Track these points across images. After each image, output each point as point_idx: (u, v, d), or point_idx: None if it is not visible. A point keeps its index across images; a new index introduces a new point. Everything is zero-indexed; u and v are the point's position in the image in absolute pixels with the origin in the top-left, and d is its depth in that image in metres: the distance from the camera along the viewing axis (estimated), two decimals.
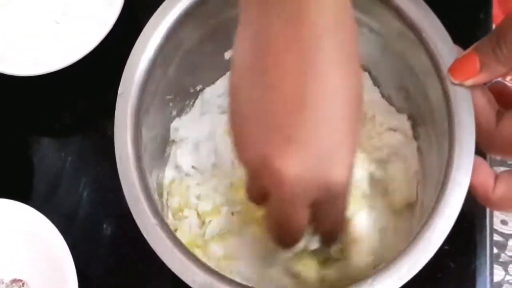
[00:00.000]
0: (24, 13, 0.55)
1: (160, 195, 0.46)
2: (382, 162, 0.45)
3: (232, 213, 0.45)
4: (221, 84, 0.49)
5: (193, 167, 0.47)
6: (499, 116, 0.37)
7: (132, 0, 0.53)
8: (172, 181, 0.47)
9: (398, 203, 0.45)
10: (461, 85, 0.37)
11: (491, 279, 0.48)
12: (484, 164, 0.37)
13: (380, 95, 0.48)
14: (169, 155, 0.48)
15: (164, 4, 0.40)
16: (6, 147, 0.54)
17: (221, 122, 0.47)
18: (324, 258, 0.43)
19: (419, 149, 0.45)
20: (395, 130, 0.46)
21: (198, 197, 0.46)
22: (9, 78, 0.51)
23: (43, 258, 0.46)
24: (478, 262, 0.48)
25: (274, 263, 0.43)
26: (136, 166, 0.38)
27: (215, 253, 0.44)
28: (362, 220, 0.43)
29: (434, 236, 0.35)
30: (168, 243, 0.36)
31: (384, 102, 0.48)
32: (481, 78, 0.36)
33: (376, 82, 0.48)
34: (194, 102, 0.49)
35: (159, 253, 0.35)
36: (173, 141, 0.48)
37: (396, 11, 0.40)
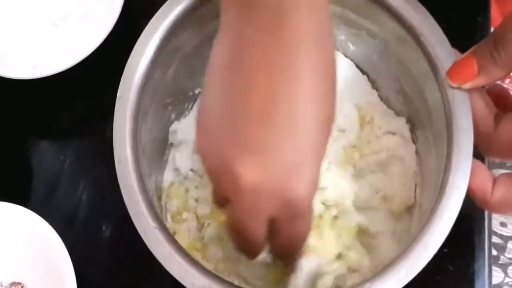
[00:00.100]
0: (23, 15, 0.56)
1: (159, 198, 0.46)
2: (380, 165, 0.45)
3: None
4: None
5: (191, 170, 0.47)
6: (497, 119, 0.37)
7: (131, 3, 0.53)
8: (171, 184, 0.47)
9: (397, 206, 0.45)
10: (459, 88, 0.37)
11: (490, 282, 0.48)
12: (482, 167, 0.36)
13: (378, 98, 0.48)
14: (167, 158, 0.48)
15: (163, 7, 0.40)
16: (4, 150, 0.54)
17: None
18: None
19: (417, 152, 0.45)
20: (393, 133, 0.46)
21: (197, 200, 0.46)
22: (7, 80, 0.51)
23: (41, 261, 0.46)
24: (476, 264, 0.48)
25: (273, 267, 0.43)
26: (135, 169, 0.38)
27: (214, 256, 0.44)
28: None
29: (432, 239, 0.35)
30: (167, 246, 0.36)
31: (382, 105, 0.48)
32: (479, 81, 0.36)
33: (374, 85, 0.48)
34: (192, 105, 0.49)
35: (158, 256, 0.35)
36: (172, 144, 0.48)
37: (395, 15, 0.40)
